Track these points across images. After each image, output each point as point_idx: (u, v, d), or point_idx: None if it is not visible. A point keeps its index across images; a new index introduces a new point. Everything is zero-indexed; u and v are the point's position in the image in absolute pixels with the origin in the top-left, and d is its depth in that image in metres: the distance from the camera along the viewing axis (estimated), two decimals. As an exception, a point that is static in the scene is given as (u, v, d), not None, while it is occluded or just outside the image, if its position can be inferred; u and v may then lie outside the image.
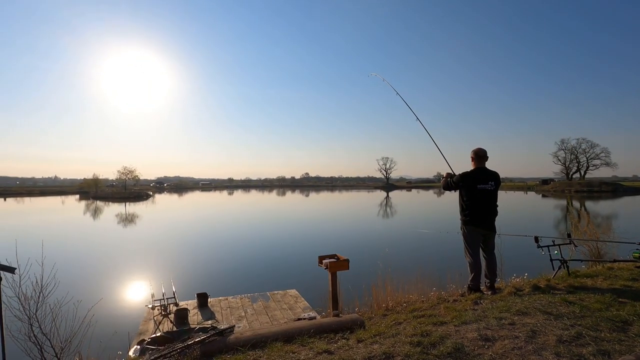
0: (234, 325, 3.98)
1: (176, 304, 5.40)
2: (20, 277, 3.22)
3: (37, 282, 3.46)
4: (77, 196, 69.54)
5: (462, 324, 3.23)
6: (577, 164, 71.26)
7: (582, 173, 70.76)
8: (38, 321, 3.36)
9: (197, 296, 6.51)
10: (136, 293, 9.38)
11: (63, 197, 66.06)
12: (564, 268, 5.31)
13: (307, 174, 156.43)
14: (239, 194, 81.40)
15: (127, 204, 50.27)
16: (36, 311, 3.39)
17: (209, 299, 6.65)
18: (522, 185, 76.95)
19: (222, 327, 3.63)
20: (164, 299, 5.32)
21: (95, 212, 38.21)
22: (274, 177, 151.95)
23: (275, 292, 7.38)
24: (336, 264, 5.98)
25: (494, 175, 4.96)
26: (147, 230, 25.04)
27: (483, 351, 2.65)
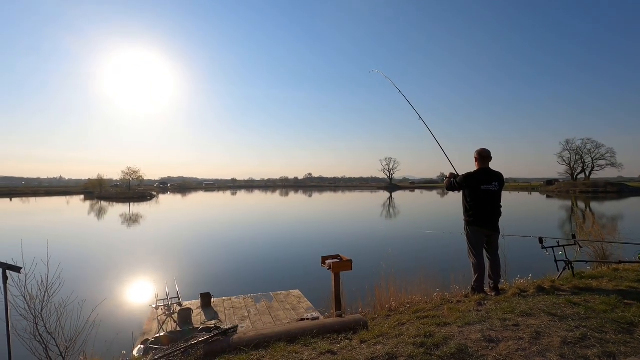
0: (237, 325, 3.99)
1: (180, 304, 5.42)
2: (26, 276, 3.25)
3: (42, 281, 3.49)
4: (82, 196, 69.88)
5: (465, 325, 3.21)
6: (582, 165, 70.88)
7: (587, 173, 70.38)
8: (43, 320, 3.38)
9: (201, 296, 6.53)
10: (140, 293, 9.42)
11: (68, 198, 66.44)
12: (569, 269, 5.29)
13: (310, 174, 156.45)
14: (242, 195, 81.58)
15: (131, 204, 50.48)
16: (42, 310, 3.42)
17: (212, 299, 6.67)
18: (526, 185, 76.53)
19: (226, 327, 3.64)
20: (167, 299, 5.35)
21: (100, 213, 38.39)
22: (277, 178, 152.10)
23: (279, 292, 7.40)
24: (339, 264, 5.99)
25: (497, 176, 4.96)
26: (151, 230, 25.14)
27: (487, 352, 2.64)
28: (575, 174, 71.28)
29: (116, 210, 40.76)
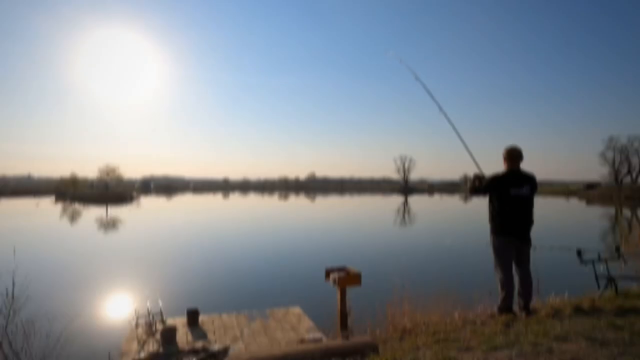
0: (229, 347, 4.03)
1: (163, 322, 5.46)
2: None
3: (7, 294, 3.54)
4: (53, 197, 70.45)
5: (491, 350, 3.24)
6: (628, 166, 70.39)
7: (635, 176, 69.88)
8: (8, 338, 3.43)
9: (187, 313, 6.56)
10: (118, 309, 9.48)
11: (37, 199, 66.76)
12: (612, 287, 5.29)
13: (313, 173, 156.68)
14: (236, 197, 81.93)
15: (109, 207, 50.81)
16: (6, 326, 3.48)
17: (200, 317, 6.70)
18: (562, 189, 75.68)
19: (215, 349, 3.68)
20: (149, 315, 5.39)
21: (73, 217, 38.70)
22: (276, 178, 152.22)
23: (276, 309, 7.40)
24: (346, 278, 5.98)
25: (529, 179, 4.95)
26: (131, 237, 25.34)
27: None
28: (620, 176, 70.85)
29: (92, 214, 41.10)
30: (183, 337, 5.85)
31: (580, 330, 3.62)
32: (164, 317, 5.71)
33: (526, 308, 4.73)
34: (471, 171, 5.60)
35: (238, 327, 6.44)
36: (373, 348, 3.77)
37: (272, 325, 6.57)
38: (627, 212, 40.03)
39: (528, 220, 4.88)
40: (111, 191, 74.37)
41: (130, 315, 5.92)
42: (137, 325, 5.27)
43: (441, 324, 4.83)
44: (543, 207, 45.70)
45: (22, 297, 3.55)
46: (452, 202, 65.56)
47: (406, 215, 41.44)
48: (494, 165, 5.24)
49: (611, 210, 42.99)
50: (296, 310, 7.41)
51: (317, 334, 5.99)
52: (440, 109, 6.05)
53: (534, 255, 5.00)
